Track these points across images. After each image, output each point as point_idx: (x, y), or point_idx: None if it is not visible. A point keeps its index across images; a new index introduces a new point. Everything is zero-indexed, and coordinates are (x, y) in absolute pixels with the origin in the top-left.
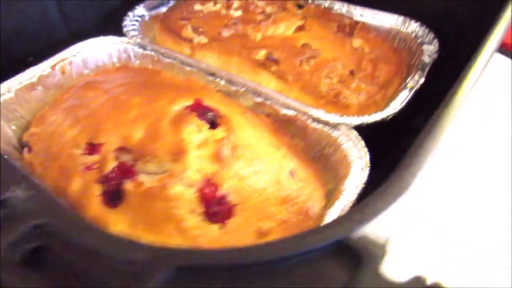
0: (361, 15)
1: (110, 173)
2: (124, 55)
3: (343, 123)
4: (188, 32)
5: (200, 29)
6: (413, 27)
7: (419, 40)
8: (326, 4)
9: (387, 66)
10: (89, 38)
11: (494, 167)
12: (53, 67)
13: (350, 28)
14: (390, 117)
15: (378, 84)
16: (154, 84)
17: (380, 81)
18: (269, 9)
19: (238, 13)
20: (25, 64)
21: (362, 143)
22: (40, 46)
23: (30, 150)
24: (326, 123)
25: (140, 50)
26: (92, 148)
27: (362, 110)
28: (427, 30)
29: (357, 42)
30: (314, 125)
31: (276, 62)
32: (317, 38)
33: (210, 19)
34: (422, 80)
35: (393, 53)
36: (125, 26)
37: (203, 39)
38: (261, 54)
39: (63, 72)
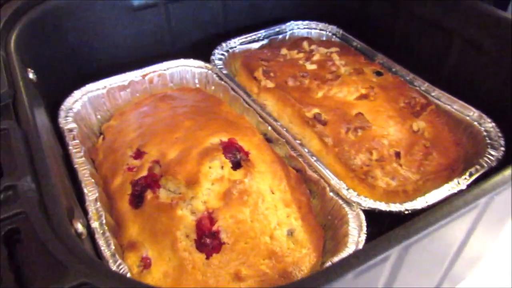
0: (438, 99)
1: (140, 179)
2: (204, 79)
3: (357, 203)
4: (258, 73)
5: (272, 74)
6: (487, 126)
7: (488, 141)
8: (408, 77)
9: (440, 157)
10: (187, 56)
11: None
12: (143, 76)
13: (420, 108)
14: (407, 212)
15: (422, 172)
16: (210, 113)
17: (426, 170)
18: (344, 69)
19: (313, 66)
20: (126, 68)
21: (364, 229)
22: (145, 54)
23: (104, 138)
24: (342, 197)
25: (217, 79)
26: (139, 154)
27: (387, 195)
28: (500, 133)
29: (419, 124)
30: (332, 194)
31: (323, 123)
32: (376, 111)
33: (286, 66)
34: (462, 187)
35: (454, 147)
36: (213, 54)
37: (270, 84)
38: (312, 112)
39: (150, 82)
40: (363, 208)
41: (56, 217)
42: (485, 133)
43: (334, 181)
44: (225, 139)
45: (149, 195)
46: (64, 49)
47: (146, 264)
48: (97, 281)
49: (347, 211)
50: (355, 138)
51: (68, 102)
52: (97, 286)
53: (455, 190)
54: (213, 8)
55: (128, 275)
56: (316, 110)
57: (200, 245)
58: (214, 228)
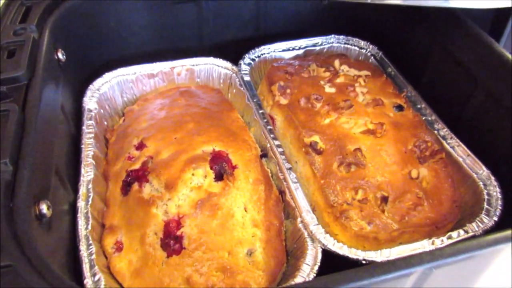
0: (452, 147)
1: (132, 171)
2: (228, 81)
3: (319, 241)
4: (275, 88)
5: (288, 90)
6: (491, 189)
7: (485, 206)
8: (431, 117)
9: (430, 211)
10: (218, 55)
11: None
12: (172, 68)
13: (430, 154)
14: (364, 261)
15: (405, 223)
16: (217, 119)
17: (410, 221)
18: (362, 98)
19: (332, 90)
20: (158, 57)
21: (316, 268)
22: (177, 47)
23: (124, 120)
24: (308, 231)
25: (238, 84)
26: (141, 145)
27: (357, 239)
28: (500, 200)
29: (419, 172)
30: (300, 225)
31: (318, 152)
32: (376, 149)
33: (306, 84)
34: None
35: (450, 203)
36: (243, 58)
37: (283, 100)
38: (311, 138)
39: (178, 74)
40: (323, 247)
41: (18, 199)
42: (486, 197)
43: (305, 214)
44: (218, 148)
45: (135, 187)
46: (102, 33)
47: (118, 247)
48: (21, 266)
49: (308, 245)
50: (346, 173)
51: (98, 83)
52: (19, 271)
53: (423, 251)
54: (252, 10)
55: (94, 256)
56: (315, 138)
57: (164, 245)
58: (178, 233)
